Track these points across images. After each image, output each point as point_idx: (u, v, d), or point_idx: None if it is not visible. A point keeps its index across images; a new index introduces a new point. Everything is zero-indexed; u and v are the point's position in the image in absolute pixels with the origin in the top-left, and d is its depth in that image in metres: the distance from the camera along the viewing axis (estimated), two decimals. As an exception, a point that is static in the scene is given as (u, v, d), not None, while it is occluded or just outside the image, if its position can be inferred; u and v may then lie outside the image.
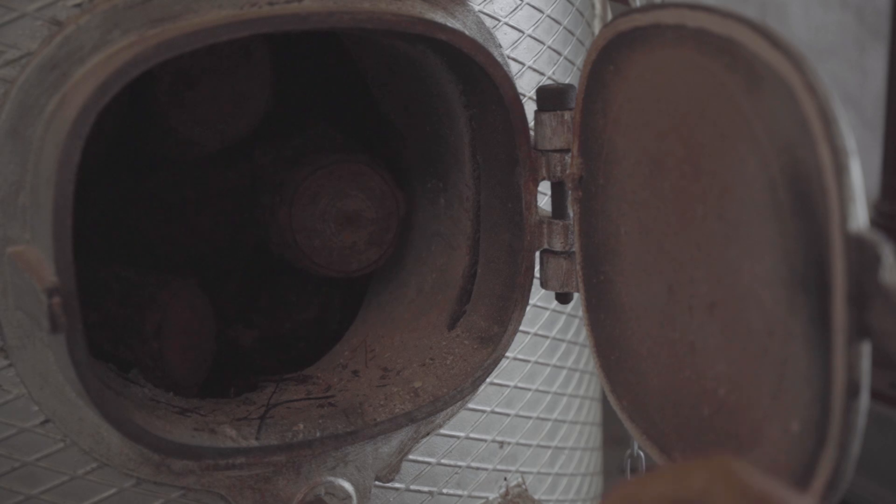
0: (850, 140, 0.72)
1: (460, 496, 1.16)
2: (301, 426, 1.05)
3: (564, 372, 1.25)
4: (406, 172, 1.23)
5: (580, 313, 1.07)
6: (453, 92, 1.10)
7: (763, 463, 0.83)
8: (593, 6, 1.31)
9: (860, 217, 0.72)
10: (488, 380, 1.13)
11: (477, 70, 1.04)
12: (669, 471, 0.70)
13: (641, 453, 1.31)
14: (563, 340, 1.25)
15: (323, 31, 1.05)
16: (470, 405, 1.15)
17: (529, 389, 1.20)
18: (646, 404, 0.97)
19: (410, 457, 1.12)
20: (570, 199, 1.06)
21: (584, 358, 1.30)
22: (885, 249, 0.71)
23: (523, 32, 1.13)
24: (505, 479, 1.19)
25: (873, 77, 2.79)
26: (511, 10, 1.11)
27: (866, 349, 0.73)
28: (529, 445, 1.21)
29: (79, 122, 0.87)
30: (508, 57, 1.11)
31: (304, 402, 1.10)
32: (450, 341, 1.14)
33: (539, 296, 1.17)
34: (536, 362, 1.21)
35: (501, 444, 1.18)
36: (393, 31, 1.01)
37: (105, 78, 0.88)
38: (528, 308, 1.11)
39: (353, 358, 1.19)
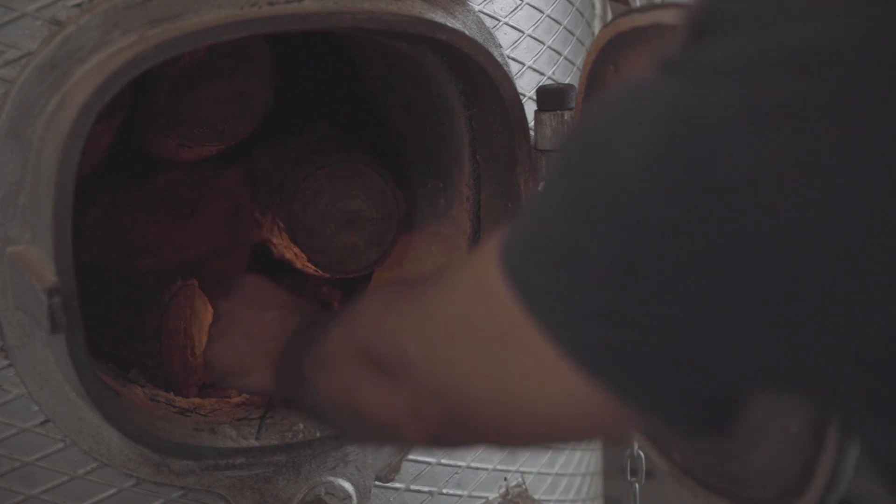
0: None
1: (460, 496, 1.16)
2: (301, 426, 1.05)
3: (564, 372, 1.25)
4: (406, 172, 1.23)
5: (580, 313, 1.07)
6: (453, 92, 1.10)
7: (763, 463, 0.83)
8: (593, 6, 1.31)
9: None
10: (488, 380, 1.13)
11: (477, 70, 1.04)
12: None
13: (641, 453, 1.31)
14: (563, 340, 1.24)
15: (323, 31, 1.05)
16: (470, 405, 1.15)
17: (529, 389, 1.20)
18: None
19: (410, 457, 1.12)
20: (570, 199, 1.05)
21: (584, 358, 1.30)
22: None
23: (523, 32, 1.13)
24: (505, 479, 1.19)
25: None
26: (511, 10, 1.11)
27: (866, 349, 0.72)
28: (529, 445, 1.21)
29: (79, 122, 0.87)
30: (508, 57, 1.11)
31: (304, 402, 1.10)
32: (450, 341, 1.14)
33: (539, 296, 1.17)
34: (536, 362, 1.20)
35: (501, 444, 1.18)
36: (393, 31, 1.01)
37: (105, 78, 0.88)
38: (528, 308, 1.10)
39: (353, 358, 1.19)
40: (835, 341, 0.55)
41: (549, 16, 1.16)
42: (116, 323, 1.20)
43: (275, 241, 1.28)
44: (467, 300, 0.68)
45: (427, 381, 0.72)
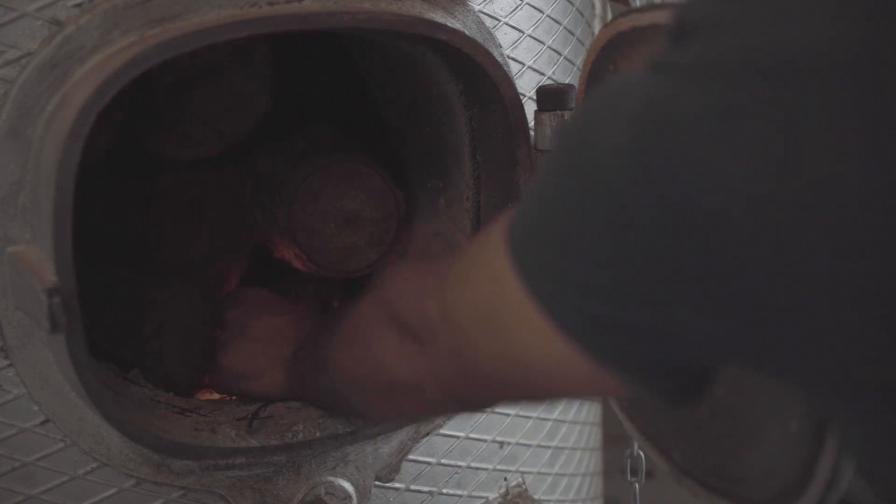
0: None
1: (460, 496, 1.16)
2: (301, 426, 1.05)
3: (564, 372, 1.25)
4: (406, 172, 1.23)
5: (580, 313, 1.07)
6: (453, 92, 1.10)
7: (763, 463, 0.83)
8: (593, 6, 1.31)
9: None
10: (488, 380, 1.13)
11: (477, 70, 1.04)
12: None
13: (641, 453, 1.31)
14: (563, 340, 1.24)
15: (323, 31, 1.05)
16: (470, 405, 1.15)
17: (529, 389, 1.20)
18: (645, 404, 0.97)
19: (410, 457, 1.12)
20: (570, 199, 1.05)
21: (584, 358, 1.30)
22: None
23: (523, 32, 1.13)
24: (505, 479, 1.19)
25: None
26: (511, 10, 1.11)
27: (866, 349, 0.73)
28: (529, 445, 1.21)
29: (79, 122, 0.87)
30: (508, 57, 1.11)
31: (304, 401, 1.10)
32: (450, 341, 1.14)
33: (539, 296, 1.17)
34: (536, 362, 1.20)
35: (501, 444, 1.18)
36: (393, 31, 1.01)
37: (105, 78, 0.88)
38: (528, 308, 1.10)
39: (353, 358, 1.19)
40: (787, 326, 0.59)
41: (549, 16, 1.16)
42: (116, 323, 1.20)
43: (275, 240, 1.28)
44: (478, 270, 0.75)
45: (445, 338, 0.80)
